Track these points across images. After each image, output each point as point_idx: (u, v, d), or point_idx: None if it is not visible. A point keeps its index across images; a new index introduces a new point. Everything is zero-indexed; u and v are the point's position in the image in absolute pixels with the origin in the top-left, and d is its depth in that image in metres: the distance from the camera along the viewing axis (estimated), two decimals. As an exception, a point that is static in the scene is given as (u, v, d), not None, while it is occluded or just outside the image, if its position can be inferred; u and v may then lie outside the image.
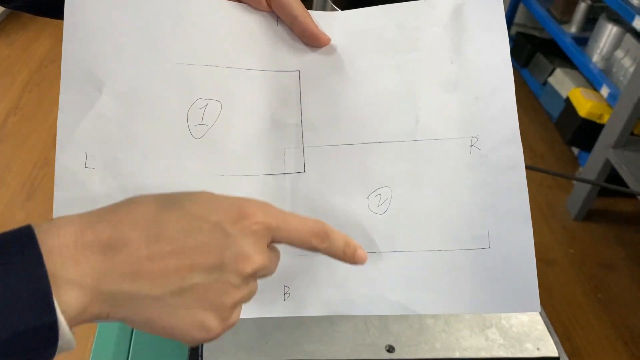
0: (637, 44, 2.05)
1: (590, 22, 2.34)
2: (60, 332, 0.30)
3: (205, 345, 0.52)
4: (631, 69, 2.00)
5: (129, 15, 0.44)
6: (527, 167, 0.47)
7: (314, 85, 0.47)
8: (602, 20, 2.21)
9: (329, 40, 0.47)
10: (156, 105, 0.44)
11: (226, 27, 0.46)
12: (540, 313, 0.60)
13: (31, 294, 0.29)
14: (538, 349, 0.57)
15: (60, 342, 0.30)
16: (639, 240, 1.96)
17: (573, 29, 2.39)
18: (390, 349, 0.55)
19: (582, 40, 2.31)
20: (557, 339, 0.58)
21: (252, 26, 0.47)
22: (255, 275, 0.35)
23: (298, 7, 0.45)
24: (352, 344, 0.55)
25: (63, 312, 0.30)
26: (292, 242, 0.37)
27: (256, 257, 0.34)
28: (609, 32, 2.16)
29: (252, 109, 0.46)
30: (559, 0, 2.47)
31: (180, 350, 0.56)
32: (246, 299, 0.36)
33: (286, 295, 0.45)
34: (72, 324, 0.31)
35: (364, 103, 0.47)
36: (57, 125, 0.42)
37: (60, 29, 0.43)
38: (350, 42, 0.47)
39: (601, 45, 2.19)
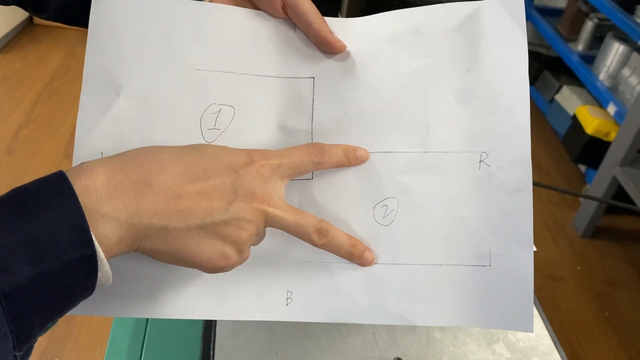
0: (644, 63, 2.06)
1: (597, 40, 2.35)
2: (99, 263, 0.34)
3: (216, 355, 0.53)
4: (638, 87, 2.02)
5: (149, 23, 0.45)
6: (534, 184, 0.46)
7: (327, 92, 0.47)
8: (608, 39, 2.22)
9: (344, 47, 0.46)
10: (171, 109, 0.45)
11: (243, 34, 0.47)
12: (547, 328, 0.61)
13: (71, 229, 0.32)
14: (544, 363, 0.57)
15: (99, 274, 0.34)
16: (646, 258, 1.96)
17: (580, 47, 2.41)
18: (398, 362, 0.56)
19: (589, 59, 2.32)
20: (563, 354, 0.58)
21: (268, 33, 0.47)
22: (265, 213, 0.40)
23: (313, 14, 0.45)
24: (361, 355, 0.56)
25: (101, 244, 0.34)
26: (295, 168, 0.43)
27: (264, 194, 0.40)
28: (615, 50, 2.18)
29: (264, 115, 0.47)
30: (565, 19, 2.49)
31: (191, 355, 0.57)
32: (253, 237, 0.41)
33: (288, 300, 0.45)
34: (109, 254, 0.35)
35: (376, 111, 0.47)
36: (77, 124, 0.44)
37: (71, 44, 0.44)
38: (366, 49, 0.47)
39: (608, 63, 2.20)
